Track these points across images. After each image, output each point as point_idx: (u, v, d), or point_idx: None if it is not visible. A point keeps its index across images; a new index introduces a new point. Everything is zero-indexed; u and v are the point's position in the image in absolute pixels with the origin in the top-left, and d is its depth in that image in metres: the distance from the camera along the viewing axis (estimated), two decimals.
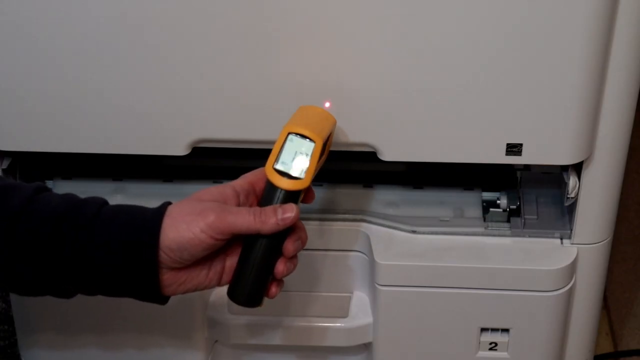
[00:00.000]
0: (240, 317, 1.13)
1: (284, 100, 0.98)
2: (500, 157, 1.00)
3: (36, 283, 0.87)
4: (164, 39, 0.95)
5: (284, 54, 0.95)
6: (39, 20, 0.94)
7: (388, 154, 1.01)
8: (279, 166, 0.89)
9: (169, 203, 0.89)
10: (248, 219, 0.87)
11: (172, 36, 0.95)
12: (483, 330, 1.09)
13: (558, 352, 1.12)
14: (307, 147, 0.90)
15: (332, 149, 1.01)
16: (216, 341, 1.17)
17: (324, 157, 0.93)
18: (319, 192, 1.13)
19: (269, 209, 0.88)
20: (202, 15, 0.93)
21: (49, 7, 0.94)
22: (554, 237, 1.09)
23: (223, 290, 1.13)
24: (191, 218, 0.86)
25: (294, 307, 1.13)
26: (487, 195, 1.13)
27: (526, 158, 1.00)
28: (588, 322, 1.14)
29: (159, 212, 0.87)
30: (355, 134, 1.00)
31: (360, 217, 1.10)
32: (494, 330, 1.10)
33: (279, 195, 0.89)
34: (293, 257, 0.91)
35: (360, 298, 1.13)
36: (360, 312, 1.12)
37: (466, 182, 1.14)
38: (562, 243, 1.08)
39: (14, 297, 1.15)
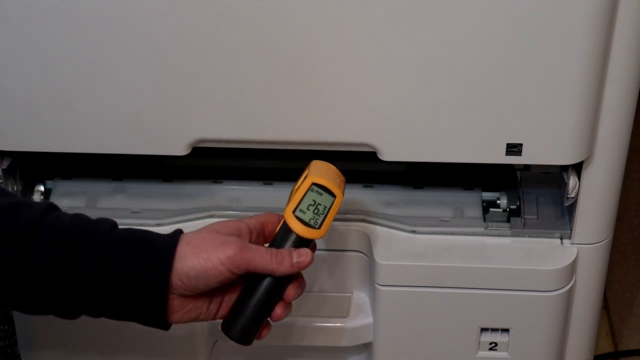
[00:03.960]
0: None
1: (283, 100, 0.98)
2: (500, 157, 1.00)
3: (42, 305, 0.87)
4: (164, 39, 0.95)
5: (283, 53, 0.95)
6: (39, 20, 0.94)
7: (388, 154, 1.01)
8: (297, 213, 0.93)
9: (181, 231, 0.91)
10: (266, 258, 0.90)
11: (172, 36, 0.95)
12: (483, 330, 1.09)
13: (558, 352, 1.12)
14: (328, 200, 0.94)
15: (332, 148, 1.02)
16: (216, 341, 1.17)
17: None
18: None
19: (284, 251, 0.91)
20: (202, 15, 0.93)
21: (49, 7, 0.94)
22: (554, 237, 1.09)
23: None
24: (212, 249, 0.88)
25: (294, 307, 1.13)
26: (487, 195, 1.13)
27: (526, 158, 1.00)
28: (588, 322, 1.14)
29: (173, 239, 0.89)
30: (355, 134, 1.00)
31: (360, 217, 1.10)
32: (494, 330, 1.10)
33: (293, 240, 0.93)
34: (289, 303, 0.95)
35: (360, 298, 1.13)
36: (360, 312, 1.12)
37: (466, 182, 1.14)
38: (562, 243, 1.08)
39: None
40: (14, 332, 1.21)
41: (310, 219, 0.93)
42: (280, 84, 0.97)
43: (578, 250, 1.07)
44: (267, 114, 0.99)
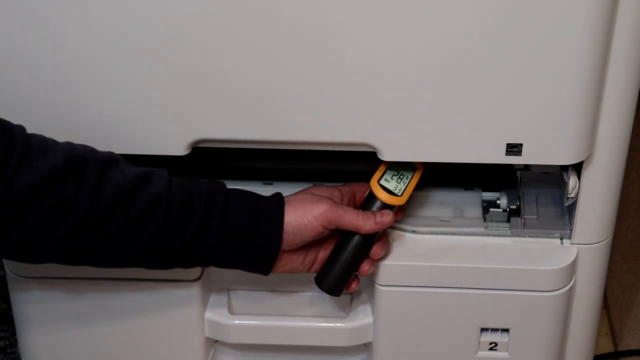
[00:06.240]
0: (240, 317, 1.13)
1: (283, 100, 0.98)
2: (500, 157, 1.00)
3: (175, 260, 0.98)
4: (164, 39, 0.95)
5: (283, 53, 0.95)
6: (39, 20, 0.94)
7: (388, 154, 1.01)
8: (382, 182, 1.04)
9: (281, 194, 1.02)
10: (353, 216, 1.01)
11: (173, 36, 0.95)
12: (483, 330, 1.09)
13: (558, 352, 1.12)
14: (410, 170, 1.04)
15: (332, 148, 1.02)
16: (216, 341, 1.17)
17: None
18: None
19: (369, 212, 1.03)
20: (202, 15, 0.93)
21: (50, 7, 0.94)
22: (554, 237, 1.09)
23: (223, 290, 1.13)
24: (307, 206, 1.00)
25: (294, 307, 1.13)
26: (487, 195, 1.13)
27: (526, 158, 1.00)
28: (588, 322, 1.14)
29: (280, 201, 1.00)
30: (355, 133, 1.00)
31: None
32: (494, 330, 1.10)
33: (377, 206, 1.04)
34: (375, 261, 1.05)
35: (360, 298, 1.13)
36: (360, 312, 1.12)
37: (466, 182, 1.14)
38: (562, 243, 1.08)
39: (14, 298, 1.15)
40: (14, 332, 1.21)
41: (394, 187, 1.03)
42: (280, 84, 0.97)
43: (578, 250, 1.07)
44: (267, 114, 0.99)
